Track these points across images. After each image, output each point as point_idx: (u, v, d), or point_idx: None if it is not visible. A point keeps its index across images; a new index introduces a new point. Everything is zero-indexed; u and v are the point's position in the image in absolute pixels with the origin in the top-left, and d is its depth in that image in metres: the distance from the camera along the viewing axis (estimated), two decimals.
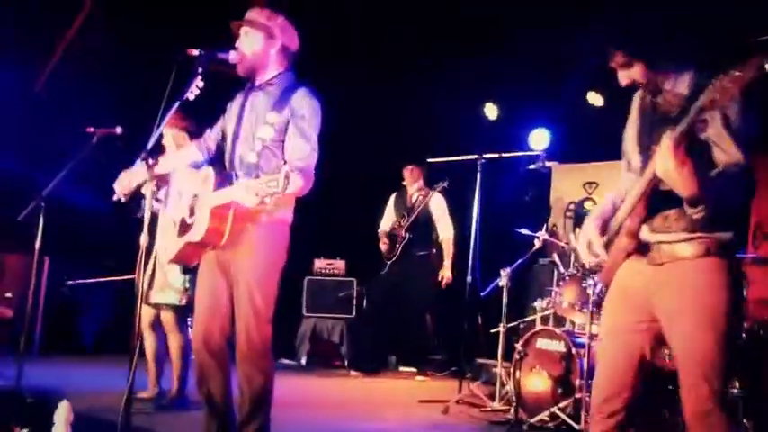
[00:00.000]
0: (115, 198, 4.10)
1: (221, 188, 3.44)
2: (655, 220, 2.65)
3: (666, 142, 2.37)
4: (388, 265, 7.72)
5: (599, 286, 5.13)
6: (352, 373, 7.68)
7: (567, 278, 5.53)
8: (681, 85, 2.63)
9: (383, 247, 7.75)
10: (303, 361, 8.26)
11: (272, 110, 3.56)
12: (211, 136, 3.90)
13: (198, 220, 3.49)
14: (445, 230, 7.61)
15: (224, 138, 3.77)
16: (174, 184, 3.71)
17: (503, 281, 5.81)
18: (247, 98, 3.71)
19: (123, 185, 3.90)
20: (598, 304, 5.17)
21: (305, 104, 3.56)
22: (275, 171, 3.44)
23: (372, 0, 7.35)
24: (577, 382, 4.90)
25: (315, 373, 7.68)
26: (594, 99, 7.83)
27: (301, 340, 8.34)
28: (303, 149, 3.50)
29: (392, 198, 7.95)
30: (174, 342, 5.13)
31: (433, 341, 7.59)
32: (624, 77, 2.72)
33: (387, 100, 8.31)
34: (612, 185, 7.93)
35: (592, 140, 7.78)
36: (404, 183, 7.88)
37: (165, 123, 5.08)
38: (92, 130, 5.06)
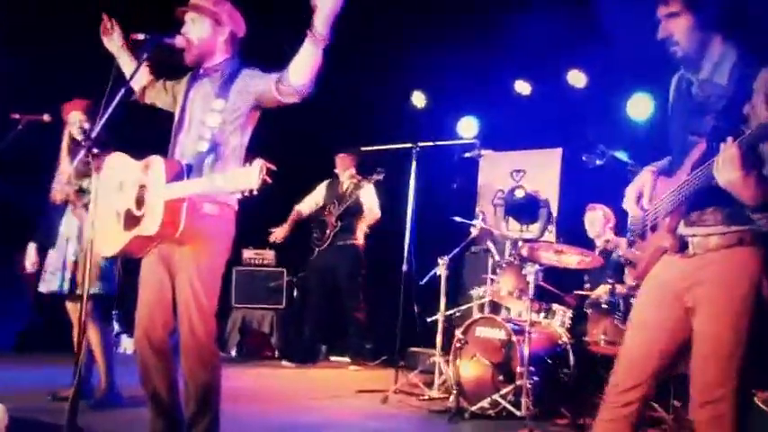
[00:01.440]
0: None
1: (177, 180, 3.28)
2: (692, 214, 2.62)
3: (731, 151, 2.31)
4: (317, 252, 7.67)
5: (539, 274, 5.20)
6: (284, 363, 7.59)
7: (505, 266, 5.59)
8: (719, 74, 2.58)
9: (287, 225, 7.71)
10: (233, 353, 8.10)
11: (217, 96, 3.46)
12: (156, 86, 3.81)
13: (149, 212, 3.31)
14: (370, 215, 7.61)
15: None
16: (111, 173, 3.54)
17: (441, 269, 5.82)
18: (191, 86, 3.61)
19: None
20: (537, 292, 5.25)
21: (253, 74, 3.49)
22: (230, 159, 3.38)
23: None
24: (518, 369, 4.96)
25: (246, 365, 7.55)
26: (522, 87, 7.92)
27: (230, 332, 8.19)
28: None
29: (323, 184, 7.87)
30: (93, 335, 4.91)
31: (364, 330, 7.57)
32: (664, 29, 2.63)
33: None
34: (540, 172, 8.05)
35: (519, 128, 7.89)
36: (336, 170, 7.80)
37: (69, 108, 4.99)
38: (17, 115, 4.86)
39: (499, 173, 8.07)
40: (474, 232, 6.08)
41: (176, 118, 3.59)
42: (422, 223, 6.46)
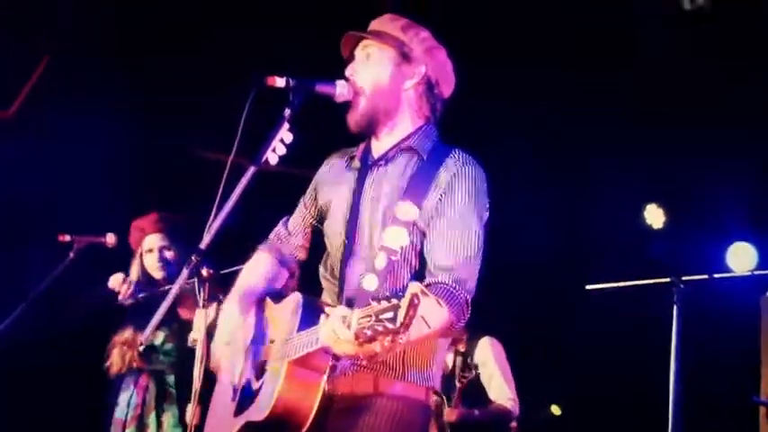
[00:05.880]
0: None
1: (309, 326, 2.14)
2: None
3: None
4: None
5: None
6: None
7: None
8: None
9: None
10: None
11: (407, 196, 2.27)
12: (296, 233, 2.59)
13: (266, 384, 2.24)
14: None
15: (316, 233, 2.55)
16: (230, 325, 2.36)
17: None
18: (365, 175, 2.40)
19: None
20: None
21: (463, 180, 2.30)
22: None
23: None
24: None
25: None
26: None
27: None
28: (458, 254, 2.24)
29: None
30: None
31: None
32: None
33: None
34: None
35: None
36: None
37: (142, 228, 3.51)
38: (67, 237, 3.39)
39: None
40: None
41: (338, 232, 2.40)
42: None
